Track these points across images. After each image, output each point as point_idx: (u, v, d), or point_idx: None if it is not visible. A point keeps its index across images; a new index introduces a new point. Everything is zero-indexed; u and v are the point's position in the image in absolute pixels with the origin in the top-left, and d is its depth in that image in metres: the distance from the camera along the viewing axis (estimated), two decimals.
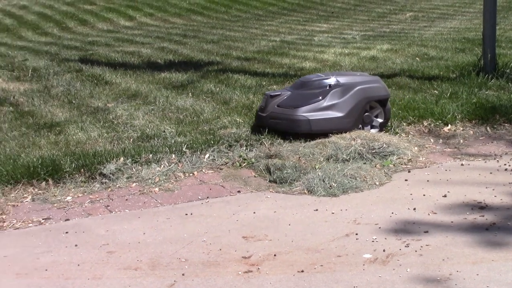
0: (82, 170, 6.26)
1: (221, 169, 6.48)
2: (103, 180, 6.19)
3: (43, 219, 5.50)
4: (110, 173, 6.24)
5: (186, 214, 5.42)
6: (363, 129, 7.15)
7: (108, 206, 5.72)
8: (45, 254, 4.80)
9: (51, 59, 12.95)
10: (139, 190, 6.02)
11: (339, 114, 7.01)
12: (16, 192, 6.02)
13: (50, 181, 6.14)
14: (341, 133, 6.90)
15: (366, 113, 7.19)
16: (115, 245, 4.88)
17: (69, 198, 5.91)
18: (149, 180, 6.19)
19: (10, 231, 5.32)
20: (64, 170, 6.21)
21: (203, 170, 6.44)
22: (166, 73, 10.96)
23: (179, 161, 6.52)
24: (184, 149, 6.68)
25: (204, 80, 10.34)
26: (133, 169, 6.35)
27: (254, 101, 8.64)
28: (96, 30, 18.47)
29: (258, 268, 4.41)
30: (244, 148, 6.81)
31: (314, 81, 7.31)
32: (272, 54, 12.95)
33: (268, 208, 5.55)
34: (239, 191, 5.96)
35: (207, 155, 6.65)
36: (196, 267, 4.45)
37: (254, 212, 5.43)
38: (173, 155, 6.59)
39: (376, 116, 7.31)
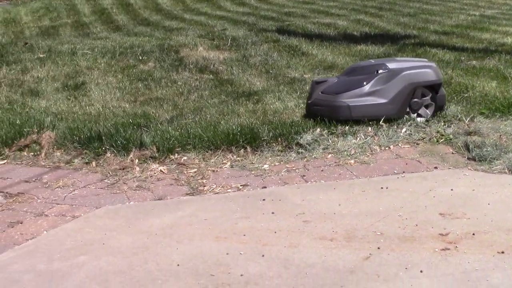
0: (279, 139, 6.36)
1: (417, 144, 6.38)
2: (300, 150, 6.26)
3: (241, 185, 5.65)
4: (307, 144, 6.30)
5: (382, 188, 5.38)
6: (409, 116, 6.80)
7: (304, 175, 5.78)
8: (243, 219, 4.93)
9: (249, 29, 13.22)
10: (335, 162, 6.04)
11: (382, 100, 6.69)
12: (215, 158, 6.22)
13: (248, 149, 6.29)
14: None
15: (414, 99, 6.83)
16: (311, 215, 4.92)
17: (266, 166, 6.03)
18: (345, 152, 6.19)
19: (210, 195, 5.50)
20: (262, 139, 6.34)
21: (399, 144, 6.36)
22: (362, 46, 10.91)
23: (375, 134, 6.48)
24: (381, 122, 6.63)
25: (401, 53, 10.20)
26: (329, 140, 6.38)
27: (453, 76, 8.44)
28: (292, 1, 18.63)
29: (456, 246, 4.31)
30: (442, 123, 6.66)
31: (362, 67, 7.07)
32: (471, 29, 12.57)
33: (466, 185, 5.40)
34: (436, 167, 5.85)
35: (403, 130, 6.56)
36: (391, 241, 4.42)
37: (452, 189, 5.30)
38: (370, 128, 6.56)
39: (427, 106, 6.94)
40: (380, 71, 6.79)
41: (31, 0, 19.61)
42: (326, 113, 6.75)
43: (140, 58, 10.46)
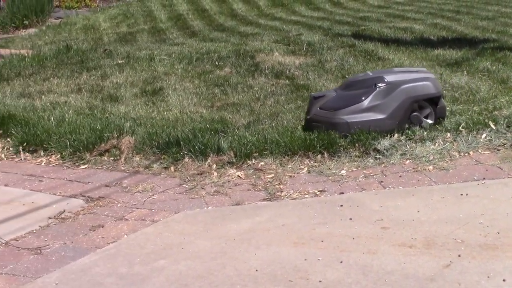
0: (356, 144, 6.33)
1: (498, 150, 6.26)
2: (377, 156, 6.22)
3: (318, 191, 5.64)
4: (384, 149, 6.26)
5: (461, 194, 5.30)
6: (410, 129, 6.60)
7: (381, 181, 5.74)
8: (320, 225, 4.93)
9: (324, 34, 13.18)
10: (413, 168, 5.98)
11: (381, 116, 6.51)
12: (292, 163, 6.23)
13: (325, 154, 6.28)
14: None
15: (414, 113, 6.65)
16: (389, 221, 4.89)
17: (343, 172, 6.01)
18: (423, 158, 6.12)
19: (287, 201, 5.52)
20: (339, 144, 6.32)
21: (479, 151, 6.26)
22: (440, 50, 10.76)
23: (454, 140, 6.39)
24: (460, 128, 6.54)
25: (480, 57, 10.03)
26: (407, 146, 6.32)
27: None
28: (367, 5, 18.52)
29: None
30: None
31: (360, 81, 6.88)
32: None
33: None
34: None
35: (483, 135, 6.45)
36: (472, 249, 4.35)
37: None
38: (448, 134, 6.47)
39: (427, 116, 6.75)
40: (379, 85, 6.64)
41: (109, 7, 19.96)
42: (324, 129, 6.57)
43: (216, 63, 10.54)
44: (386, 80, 6.66)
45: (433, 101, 6.80)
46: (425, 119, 6.77)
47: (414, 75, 6.89)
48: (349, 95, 6.78)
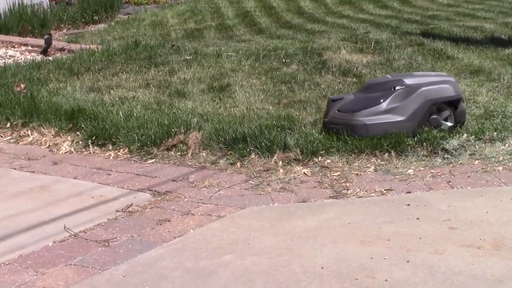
0: (424, 144, 6.26)
1: None
2: (445, 156, 6.14)
3: (385, 189, 5.60)
4: (453, 149, 6.18)
5: None
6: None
7: (449, 181, 5.67)
8: (387, 224, 4.89)
9: (392, 32, 13.07)
10: (482, 168, 5.89)
11: (400, 118, 6.41)
12: (359, 161, 6.19)
13: (393, 153, 6.23)
14: None
15: (433, 116, 6.50)
16: (457, 222, 4.83)
17: (410, 171, 5.95)
18: (493, 159, 6.02)
19: (353, 199, 5.49)
20: (407, 143, 6.27)
21: None
22: (511, 49, 10.58)
23: None
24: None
25: None
26: (476, 146, 6.24)
27: None
28: (436, 4, 18.30)
29: None
30: None
31: (379, 84, 6.77)
32: None
33: None
34: None
35: None
36: None
37: None
38: None
39: (446, 119, 6.60)
40: (397, 87, 6.54)
41: (177, 3, 20.13)
42: (342, 131, 6.52)
43: (283, 60, 10.53)
44: (405, 83, 6.58)
45: (453, 104, 6.69)
46: (444, 122, 6.67)
47: (433, 78, 6.80)
48: (367, 97, 6.72)
